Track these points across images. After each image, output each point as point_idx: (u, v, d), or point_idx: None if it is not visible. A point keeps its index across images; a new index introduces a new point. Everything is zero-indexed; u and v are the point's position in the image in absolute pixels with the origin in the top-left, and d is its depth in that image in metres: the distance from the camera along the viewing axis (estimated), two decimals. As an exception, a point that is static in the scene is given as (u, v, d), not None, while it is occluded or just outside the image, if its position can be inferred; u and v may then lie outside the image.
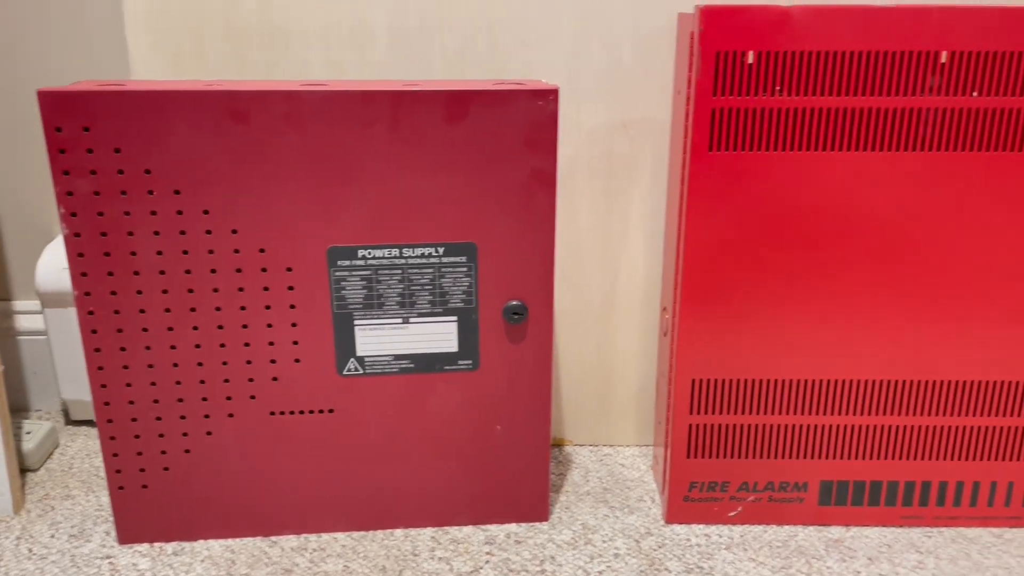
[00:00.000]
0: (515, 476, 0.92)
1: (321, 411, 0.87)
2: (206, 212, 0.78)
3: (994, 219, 0.82)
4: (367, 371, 0.86)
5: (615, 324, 1.05)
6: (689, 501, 0.94)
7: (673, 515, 0.94)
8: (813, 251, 0.84)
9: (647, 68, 0.95)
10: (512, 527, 0.94)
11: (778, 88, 0.79)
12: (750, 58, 0.78)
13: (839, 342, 0.87)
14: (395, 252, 0.82)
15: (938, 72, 0.78)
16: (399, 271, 0.82)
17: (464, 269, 0.83)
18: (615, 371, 1.08)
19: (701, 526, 0.94)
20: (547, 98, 0.78)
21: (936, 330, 0.86)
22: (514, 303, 0.85)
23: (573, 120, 0.97)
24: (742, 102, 0.80)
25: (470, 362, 0.87)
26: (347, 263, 0.81)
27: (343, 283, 0.82)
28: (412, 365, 0.86)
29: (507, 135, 0.79)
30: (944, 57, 0.78)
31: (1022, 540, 0.92)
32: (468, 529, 0.93)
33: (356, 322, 0.84)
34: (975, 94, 0.79)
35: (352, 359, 0.85)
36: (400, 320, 0.84)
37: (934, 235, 0.83)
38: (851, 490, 0.93)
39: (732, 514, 0.94)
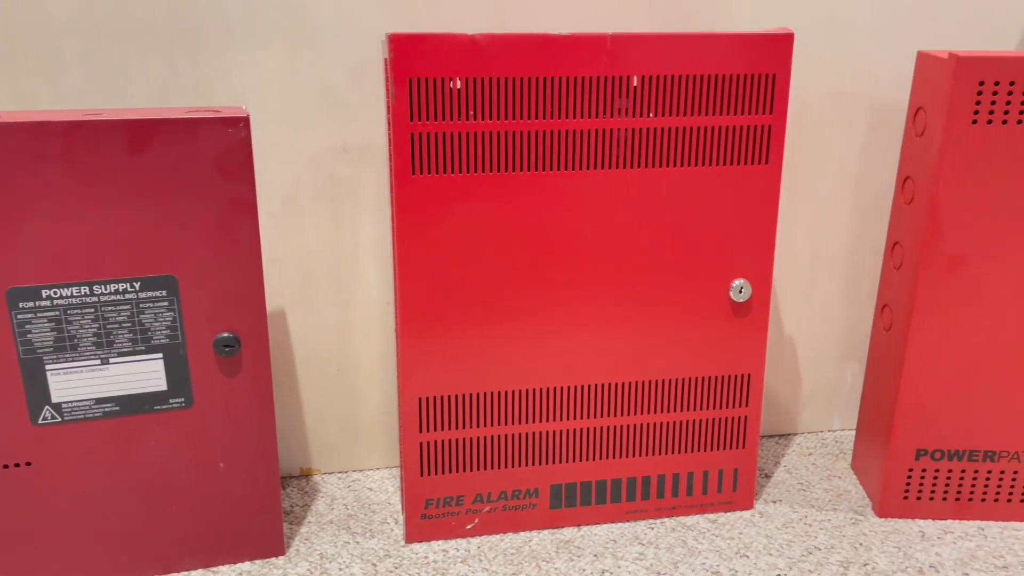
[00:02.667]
0: (245, 513, 0.89)
1: (16, 465, 0.80)
2: None
3: (679, 230, 0.89)
4: (66, 418, 0.80)
5: (354, 349, 1.05)
6: (427, 519, 0.95)
7: (412, 534, 0.95)
8: (517, 267, 0.88)
9: (362, 93, 0.96)
10: (245, 565, 0.91)
11: (472, 113, 0.82)
12: (457, 84, 0.81)
13: (549, 352, 0.91)
14: (85, 290, 0.77)
15: (627, 95, 0.84)
16: (92, 310, 0.78)
17: (165, 303, 0.80)
18: (358, 396, 1.07)
19: (440, 542, 0.95)
20: (237, 125, 0.77)
21: (637, 334, 0.92)
22: (224, 335, 0.82)
23: (292, 145, 0.96)
24: (440, 127, 0.82)
25: (182, 399, 0.83)
26: (31, 304, 0.76)
27: (28, 326, 0.77)
28: (117, 408, 0.82)
29: (198, 164, 0.77)
30: (636, 81, 0.84)
31: (733, 523, 0.99)
32: (197, 573, 0.89)
33: (48, 367, 0.78)
34: (651, 115, 0.85)
35: (47, 407, 0.79)
36: (99, 361, 0.80)
37: (627, 246, 0.89)
38: (579, 491, 0.97)
39: (469, 527, 0.96)
